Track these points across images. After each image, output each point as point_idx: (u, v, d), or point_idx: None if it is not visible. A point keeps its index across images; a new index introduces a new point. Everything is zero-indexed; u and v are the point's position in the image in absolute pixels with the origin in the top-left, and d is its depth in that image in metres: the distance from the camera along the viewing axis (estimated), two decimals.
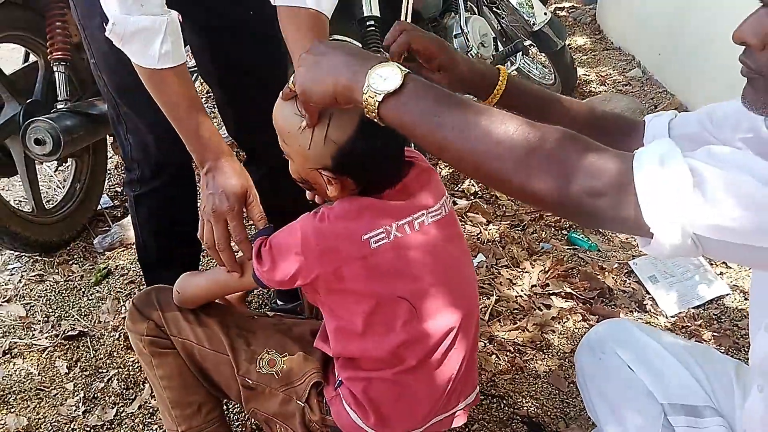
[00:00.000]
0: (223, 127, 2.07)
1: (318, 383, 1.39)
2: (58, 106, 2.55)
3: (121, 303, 2.40)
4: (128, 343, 2.18)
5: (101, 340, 2.23)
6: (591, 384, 1.53)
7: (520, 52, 3.27)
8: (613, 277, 2.43)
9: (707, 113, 1.27)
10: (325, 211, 1.20)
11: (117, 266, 2.61)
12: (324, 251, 1.18)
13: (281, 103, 1.19)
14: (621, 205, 0.81)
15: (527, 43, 3.51)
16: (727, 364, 1.45)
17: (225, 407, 1.91)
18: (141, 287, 2.46)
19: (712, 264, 2.48)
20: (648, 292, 2.38)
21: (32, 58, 2.81)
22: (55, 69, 2.59)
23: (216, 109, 2.17)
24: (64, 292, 2.48)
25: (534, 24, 3.57)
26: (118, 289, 2.48)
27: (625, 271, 2.48)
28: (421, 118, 0.91)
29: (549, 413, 1.92)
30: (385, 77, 0.92)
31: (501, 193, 0.93)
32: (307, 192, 1.31)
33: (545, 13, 3.62)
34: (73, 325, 2.30)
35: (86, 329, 2.28)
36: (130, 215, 1.98)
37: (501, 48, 3.40)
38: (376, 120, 0.95)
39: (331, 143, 1.16)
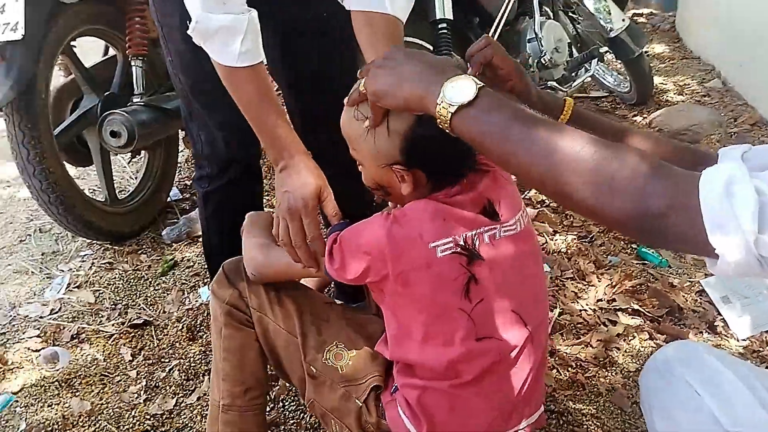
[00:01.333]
0: None
1: (378, 386, 1.38)
2: (134, 100, 2.62)
3: (186, 294, 2.45)
4: (190, 335, 2.22)
5: (165, 330, 2.28)
6: (656, 406, 1.47)
7: (596, 59, 3.20)
8: (683, 296, 2.34)
9: None
10: (397, 213, 1.20)
11: (183, 258, 2.67)
12: (392, 253, 1.18)
13: (348, 109, 1.22)
14: (686, 226, 0.80)
15: (603, 49, 3.42)
16: None
17: (281, 404, 1.93)
18: (205, 280, 2.50)
19: None
20: (719, 313, 2.28)
21: (111, 51, 2.90)
22: (132, 63, 2.67)
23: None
24: (132, 281, 2.55)
25: (611, 30, 3.48)
26: (183, 281, 2.53)
27: (697, 289, 2.39)
28: (491, 131, 0.92)
29: None
30: (459, 89, 0.94)
31: (565, 208, 0.93)
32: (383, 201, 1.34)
33: (623, 20, 3.53)
34: (139, 313, 2.36)
35: (151, 318, 2.33)
36: (198, 210, 2.01)
37: (575, 54, 3.33)
38: (447, 130, 0.97)
39: (395, 135, 1.18)
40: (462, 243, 1.19)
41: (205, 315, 2.31)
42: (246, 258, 1.50)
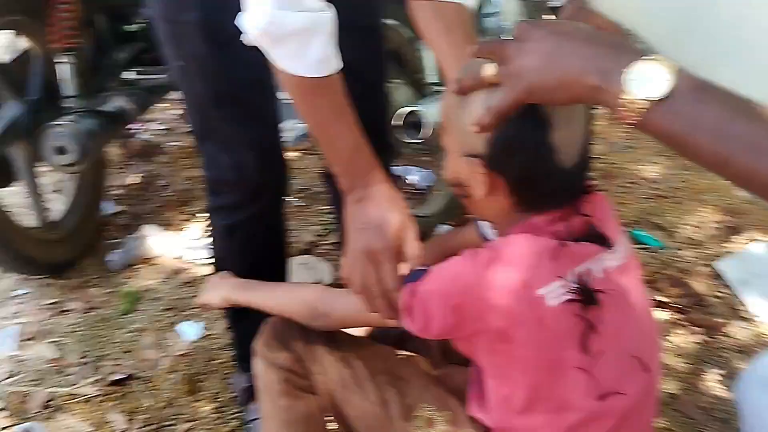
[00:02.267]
0: None
1: None
2: (69, 105, 2.18)
3: (164, 335, 2.09)
4: (190, 387, 1.89)
5: (156, 384, 1.92)
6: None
7: None
8: (698, 281, 2.29)
9: None
10: (489, 255, 1.00)
11: (146, 289, 2.29)
12: (489, 308, 0.97)
13: (452, 96, 0.98)
14: None
15: None
16: None
17: None
18: (183, 315, 2.15)
19: None
20: (737, 296, 2.24)
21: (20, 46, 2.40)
22: (57, 60, 2.21)
23: None
24: (93, 323, 2.15)
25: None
26: (155, 318, 2.16)
27: (709, 273, 2.34)
28: (701, 128, 0.72)
29: None
30: (648, 77, 0.72)
31: None
32: None
33: None
34: (117, 365, 1.98)
35: (135, 371, 1.96)
36: (215, 243, 1.68)
37: None
38: (635, 127, 0.75)
39: None
40: (575, 285, 0.99)
41: (201, 360, 1.99)
42: (297, 302, 1.28)
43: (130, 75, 2.58)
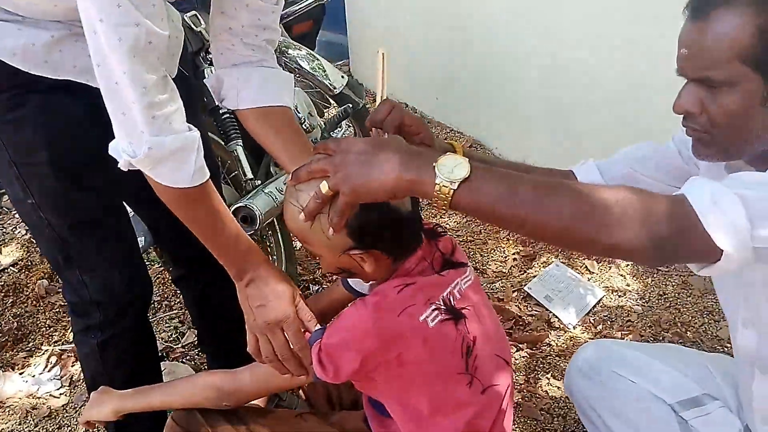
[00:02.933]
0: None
1: None
2: None
3: None
4: None
5: None
6: (601, 407, 1.66)
7: (348, 116, 3.39)
8: (516, 305, 2.64)
9: (628, 157, 1.53)
10: (376, 300, 1.19)
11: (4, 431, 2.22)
12: (386, 341, 1.17)
13: (292, 209, 1.18)
14: (695, 241, 0.96)
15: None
16: (695, 357, 1.70)
17: None
18: None
19: (581, 274, 2.81)
20: (548, 310, 2.62)
21: None
22: None
23: None
24: None
25: (334, 87, 3.71)
26: None
27: (523, 296, 2.71)
28: (498, 199, 0.96)
29: None
30: (453, 166, 0.96)
31: (584, 254, 1.05)
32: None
33: (342, 76, 3.78)
34: None
35: None
36: (86, 365, 1.72)
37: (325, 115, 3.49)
38: (444, 208, 0.98)
39: None
40: (444, 307, 1.23)
41: None
42: (202, 388, 1.39)
43: None
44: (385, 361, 1.17)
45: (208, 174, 1.31)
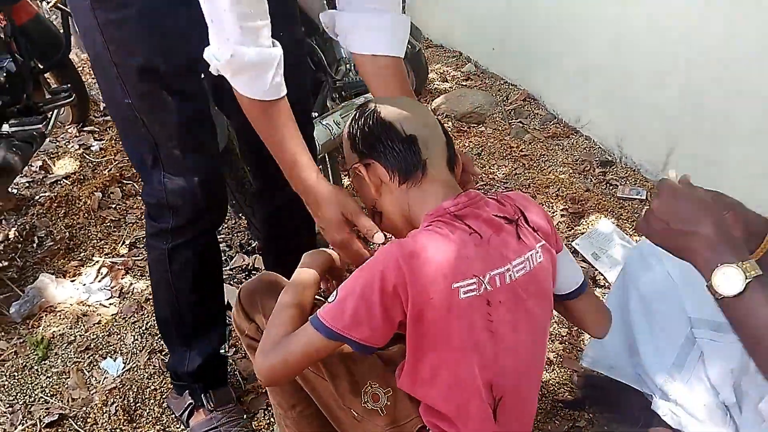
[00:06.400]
0: None
1: (424, 426, 1.31)
2: None
3: (88, 374, 2.12)
4: (128, 417, 1.94)
5: (92, 421, 1.95)
6: (632, 287, 1.69)
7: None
8: None
9: None
10: (415, 246, 1.14)
11: (55, 335, 2.28)
12: (412, 286, 1.11)
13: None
14: None
15: None
16: None
17: None
18: (99, 355, 2.19)
19: (629, 235, 2.79)
20: (595, 268, 2.61)
21: None
22: None
23: None
24: (10, 374, 2.12)
25: None
26: (74, 359, 2.18)
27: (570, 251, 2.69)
28: (758, 325, 0.96)
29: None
30: (728, 279, 0.97)
31: None
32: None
33: None
34: (47, 409, 1.98)
35: (67, 411, 1.98)
36: (154, 270, 1.76)
37: None
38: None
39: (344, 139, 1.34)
40: (485, 284, 1.16)
41: (132, 391, 2.04)
42: (274, 334, 1.28)
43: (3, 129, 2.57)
44: (405, 305, 1.13)
45: (284, 92, 1.35)
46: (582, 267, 2.59)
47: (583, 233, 2.78)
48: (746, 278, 0.96)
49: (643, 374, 1.63)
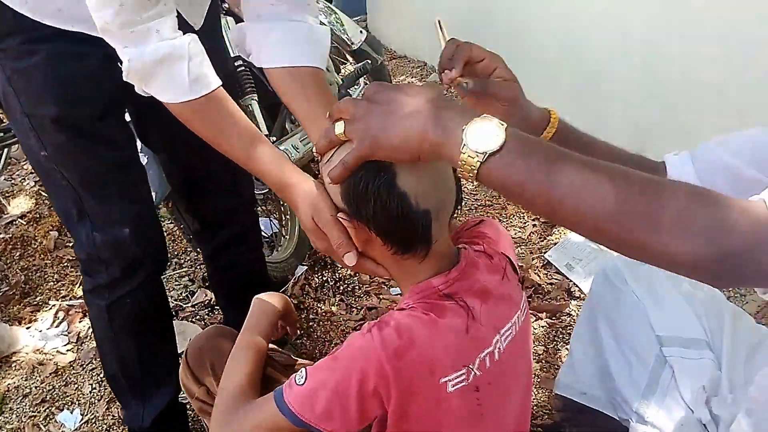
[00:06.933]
0: None
1: None
2: None
3: (43, 429, 2.02)
4: None
5: None
6: (599, 310, 1.63)
7: (367, 73, 3.29)
8: (536, 273, 2.56)
9: (721, 142, 1.24)
10: (400, 342, 0.99)
11: (9, 387, 2.17)
12: (396, 387, 0.99)
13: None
14: (762, 261, 0.76)
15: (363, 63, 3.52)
16: (723, 307, 1.58)
17: None
18: (55, 407, 2.09)
19: None
20: (569, 279, 2.54)
21: None
22: None
23: None
24: None
25: (353, 43, 3.60)
26: (30, 414, 2.07)
27: (542, 263, 2.63)
28: (530, 177, 0.80)
29: None
30: (485, 134, 0.81)
31: (619, 253, 0.85)
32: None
33: (360, 31, 3.66)
34: None
35: None
36: (95, 329, 1.67)
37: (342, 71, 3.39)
38: (471, 180, 0.83)
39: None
40: (475, 371, 1.05)
41: None
42: (232, 389, 1.19)
43: None
44: (388, 410, 1.02)
45: (215, 84, 1.21)
46: (556, 280, 2.54)
47: (555, 244, 2.71)
48: (502, 126, 0.81)
49: (618, 398, 1.57)
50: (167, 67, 1.16)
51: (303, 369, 1.04)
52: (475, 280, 1.09)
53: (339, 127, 0.94)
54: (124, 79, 1.18)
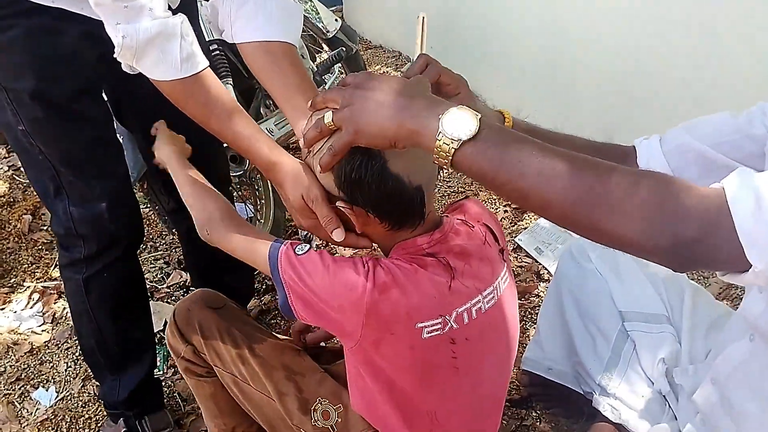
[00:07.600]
0: None
1: None
2: None
3: (18, 406, 2.03)
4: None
5: None
6: (565, 288, 1.69)
7: (342, 60, 3.31)
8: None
9: (688, 128, 1.29)
10: (384, 279, 1.07)
11: None
12: (370, 320, 1.07)
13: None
14: (722, 247, 0.79)
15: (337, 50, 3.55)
16: (684, 284, 1.65)
17: None
18: (30, 385, 2.10)
19: None
20: (539, 263, 2.60)
21: None
22: None
23: None
24: None
25: (328, 31, 3.62)
26: (5, 392, 2.09)
27: (513, 247, 2.68)
28: (501, 165, 0.85)
29: None
30: (460, 122, 0.87)
31: (586, 238, 0.89)
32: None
33: (336, 20, 3.68)
34: None
35: None
36: (71, 304, 1.69)
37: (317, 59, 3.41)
38: (446, 167, 0.89)
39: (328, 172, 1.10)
40: (451, 322, 1.12)
41: (65, 421, 1.96)
42: (201, 207, 1.32)
43: None
44: (361, 337, 1.10)
45: (203, 64, 1.24)
46: (526, 263, 2.59)
47: (526, 228, 2.77)
48: (476, 115, 0.86)
49: (582, 373, 1.63)
50: (160, 45, 1.18)
51: (306, 245, 1.13)
52: (455, 243, 1.16)
53: (328, 117, 0.99)
54: (116, 56, 1.19)
